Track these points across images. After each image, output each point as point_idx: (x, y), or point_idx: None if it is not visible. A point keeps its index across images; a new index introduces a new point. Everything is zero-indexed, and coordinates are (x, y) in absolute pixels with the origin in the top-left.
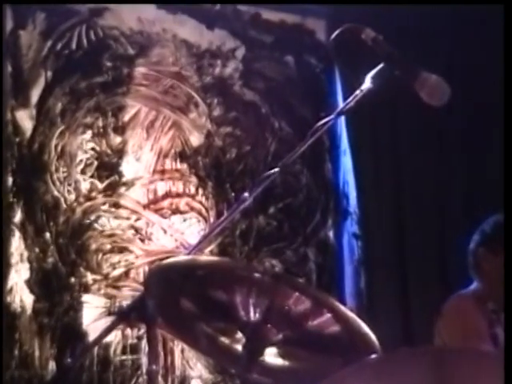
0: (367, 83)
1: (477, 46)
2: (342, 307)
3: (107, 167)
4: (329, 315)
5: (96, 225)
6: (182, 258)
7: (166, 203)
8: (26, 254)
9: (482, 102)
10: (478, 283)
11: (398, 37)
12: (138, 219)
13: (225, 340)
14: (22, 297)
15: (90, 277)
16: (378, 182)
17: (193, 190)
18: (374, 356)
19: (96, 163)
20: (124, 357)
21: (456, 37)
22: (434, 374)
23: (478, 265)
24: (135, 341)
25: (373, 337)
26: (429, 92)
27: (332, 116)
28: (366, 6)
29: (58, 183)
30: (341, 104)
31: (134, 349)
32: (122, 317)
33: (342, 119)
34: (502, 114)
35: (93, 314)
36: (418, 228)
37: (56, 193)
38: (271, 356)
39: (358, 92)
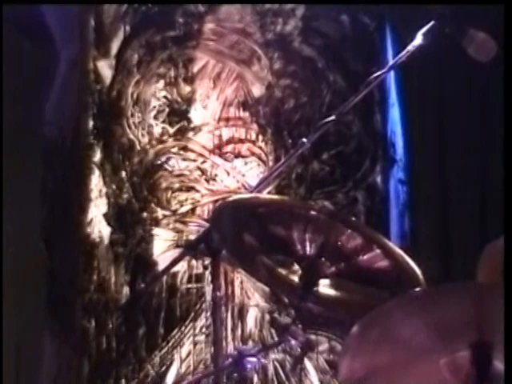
0: (418, 40)
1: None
2: (390, 244)
3: (177, 114)
4: (378, 251)
5: (166, 165)
6: (246, 195)
7: (229, 148)
8: (104, 190)
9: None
10: None
11: None
12: (203, 162)
13: (282, 271)
14: (100, 228)
15: (160, 212)
16: (423, 132)
17: (254, 137)
18: (419, 289)
19: (167, 110)
20: (189, 285)
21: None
22: (473, 307)
23: None
24: (200, 271)
25: (418, 272)
26: (476, 48)
27: (384, 70)
28: None
29: (133, 127)
30: (390, 60)
31: (199, 278)
32: (189, 249)
33: (391, 74)
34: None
35: (162, 246)
36: (460, 175)
37: (131, 136)
38: (325, 287)
39: (409, 47)
